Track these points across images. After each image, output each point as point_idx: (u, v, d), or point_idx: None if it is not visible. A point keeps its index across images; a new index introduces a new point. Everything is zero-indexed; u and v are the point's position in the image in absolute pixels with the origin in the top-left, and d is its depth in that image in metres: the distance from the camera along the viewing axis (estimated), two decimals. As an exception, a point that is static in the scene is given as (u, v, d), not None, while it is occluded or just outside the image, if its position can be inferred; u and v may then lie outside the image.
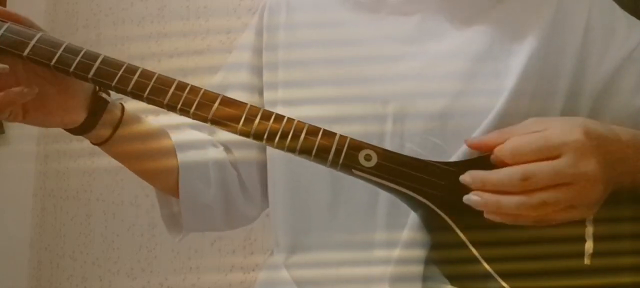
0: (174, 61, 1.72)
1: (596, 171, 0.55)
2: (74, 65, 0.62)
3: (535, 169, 0.55)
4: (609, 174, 0.57)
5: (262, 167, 0.79)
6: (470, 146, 0.60)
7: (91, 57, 0.63)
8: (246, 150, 0.79)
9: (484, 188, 0.56)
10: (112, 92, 0.67)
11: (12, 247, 2.16)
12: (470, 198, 0.57)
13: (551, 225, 0.56)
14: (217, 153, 0.79)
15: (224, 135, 0.78)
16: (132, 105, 0.69)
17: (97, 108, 0.69)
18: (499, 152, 0.58)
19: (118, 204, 1.88)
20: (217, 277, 1.61)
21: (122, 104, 0.72)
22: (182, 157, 0.76)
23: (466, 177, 0.58)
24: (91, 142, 0.72)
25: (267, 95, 0.77)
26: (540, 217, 0.56)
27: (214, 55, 1.62)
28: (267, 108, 0.75)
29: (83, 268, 2.01)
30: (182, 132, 0.79)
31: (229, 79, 0.81)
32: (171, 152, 0.76)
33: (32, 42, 0.62)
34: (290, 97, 0.74)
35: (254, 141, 0.62)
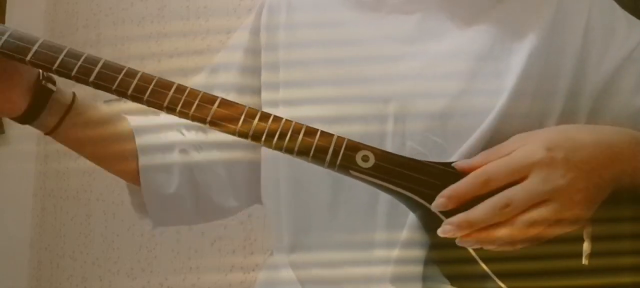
0: (174, 61, 1.72)
1: (570, 181, 0.56)
2: (75, 69, 0.63)
3: (511, 194, 0.56)
4: (592, 179, 0.57)
5: (250, 165, 0.78)
6: (459, 170, 0.60)
7: (92, 61, 0.64)
8: (227, 150, 0.78)
9: (473, 229, 0.56)
10: (58, 79, 0.67)
11: (12, 247, 2.16)
12: (463, 241, 0.56)
13: (547, 240, 0.57)
14: (184, 142, 0.78)
15: (207, 135, 0.78)
16: (131, 106, 0.68)
17: (41, 97, 0.69)
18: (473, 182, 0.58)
19: (118, 204, 1.88)
20: (217, 277, 1.61)
21: (74, 93, 0.72)
22: (142, 146, 0.76)
23: (449, 227, 0.57)
24: (43, 133, 0.72)
25: (267, 95, 0.77)
26: (534, 237, 0.56)
27: (214, 55, 1.62)
28: (267, 108, 0.75)
29: (83, 268, 2.01)
30: (142, 121, 0.78)
31: (217, 79, 0.81)
32: (129, 136, 0.76)
33: (35, 47, 0.64)
34: (291, 97, 0.74)
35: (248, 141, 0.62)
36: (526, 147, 0.58)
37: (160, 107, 0.62)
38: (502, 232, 0.55)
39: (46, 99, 0.69)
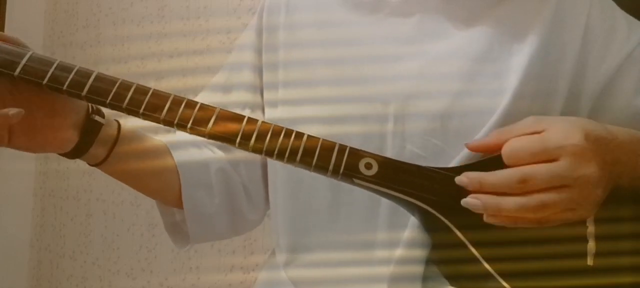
0: (174, 61, 1.72)
1: (595, 174, 0.55)
2: (66, 83, 0.60)
3: (533, 171, 0.55)
4: (608, 176, 0.57)
5: (264, 167, 0.78)
6: (471, 149, 0.60)
7: (84, 74, 0.61)
8: (254, 165, 0.78)
9: (481, 190, 0.56)
10: (106, 110, 0.65)
11: (12, 247, 2.16)
12: (469, 201, 0.56)
13: (550, 226, 0.56)
14: (218, 160, 0.78)
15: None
16: (131, 121, 0.67)
17: (90, 129, 0.66)
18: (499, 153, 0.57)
19: (118, 204, 1.88)
20: (217, 277, 1.61)
21: (118, 121, 0.70)
22: (184, 170, 0.74)
23: (462, 178, 0.57)
24: (89, 164, 0.70)
25: (267, 95, 0.77)
26: (539, 220, 0.55)
27: (214, 55, 1.62)
28: (267, 108, 0.75)
29: (83, 268, 2.01)
30: (180, 144, 0.77)
31: (232, 79, 0.81)
32: (172, 166, 0.74)
33: (23, 61, 0.60)
34: (290, 97, 0.74)
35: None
36: (562, 129, 0.57)
37: (157, 121, 0.61)
38: (512, 203, 0.54)
39: (96, 133, 0.67)
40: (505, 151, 0.57)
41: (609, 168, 0.57)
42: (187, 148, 0.77)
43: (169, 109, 0.61)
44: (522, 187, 0.55)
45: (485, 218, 0.56)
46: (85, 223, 2.02)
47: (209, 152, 0.78)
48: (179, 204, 0.75)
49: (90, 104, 0.66)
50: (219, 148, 0.79)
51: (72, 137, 0.66)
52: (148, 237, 1.80)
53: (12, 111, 0.59)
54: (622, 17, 0.70)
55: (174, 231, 0.79)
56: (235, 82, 0.80)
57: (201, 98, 0.69)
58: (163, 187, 0.75)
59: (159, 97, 0.61)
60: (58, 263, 2.09)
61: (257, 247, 1.58)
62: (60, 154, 0.67)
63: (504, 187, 0.55)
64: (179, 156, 0.75)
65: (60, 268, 2.08)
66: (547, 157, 0.55)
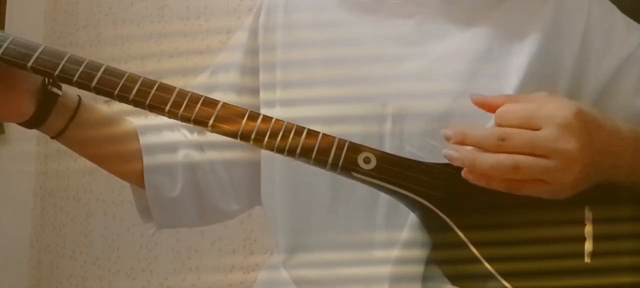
0: (174, 61, 1.72)
1: (574, 152, 0.55)
2: (77, 75, 0.63)
3: (513, 132, 0.56)
4: (594, 160, 0.57)
5: (251, 166, 0.78)
6: (474, 101, 0.60)
7: (94, 67, 0.64)
8: (228, 150, 0.78)
9: (464, 142, 0.57)
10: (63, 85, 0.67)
11: (12, 247, 2.16)
12: (448, 153, 0.57)
13: (521, 194, 0.56)
14: (188, 143, 0.78)
15: (207, 136, 0.77)
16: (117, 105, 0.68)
17: (47, 101, 0.69)
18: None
19: (118, 204, 1.88)
20: (217, 277, 1.61)
21: (79, 96, 0.72)
22: (147, 152, 0.75)
23: (448, 131, 0.58)
24: (49, 136, 0.72)
25: (265, 95, 0.77)
26: (510, 182, 0.56)
27: (214, 55, 1.61)
28: (265, 108, 0.75)
29: (83, 268, 2.01)
30: (151, 127, 0.78)
31: (217, 80, 0.81)
32: (137, 148, 0.75)
33: (36, 54, 0.64)
34: (288, 97, 0.74)
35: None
36: (557, 103, 0.57)
37: (162, 112, 0.62)
38: (487, 159, 0.55)
39: (53, 103, 0.69)
40: (497, 112, 0.58)
41: (598, 154, 0.57)
42: (159, 131, 0.77)
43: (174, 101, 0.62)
44: (500, 145, 0.55)
45: (463, 174, 0.57)
46: (85, 223, 2.02)
47: (181, 136, 0.79)
48: (138, 183, 0.77)
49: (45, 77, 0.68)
50: (194, 130, 0.79)
51: (28, 108, 0.68)
52: (148, 237, 1.80)
53: None
54: (620, 18, 0.70)
55: (145, 214, 0.79)
56: (220, 82, 0.80)
57: None
58: (127, 168, 0.76)
59: (149, 85, 0.63)
60: (58, 263, 2.09)
61: (257, 247, 1.58)
62: (19, 124, 0.69)
63: (484, 143, 0.56)
64: (146, 139, 0.76)
65: (60, 268, 2.08)
66: (534, 124, 0.56)
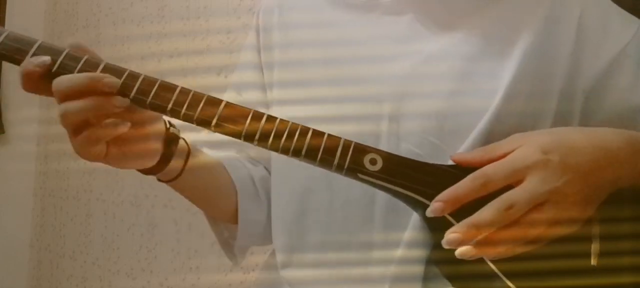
0: (174, 61, 1.72)
1: (565, 183, 0.56)
2: (75, 72, 0.60)
3: (513, 196, 0.55)
4: (589, 181, 0.57)
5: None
6: (455, 161, 0.60)
7: (93, 63, 0.61)
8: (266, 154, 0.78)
9: (477, 235, 0.55)
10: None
11: (12, 247, 2.16)
12: (468, 256, 0.55)
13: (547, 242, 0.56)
14: (255, 168, 0.79)
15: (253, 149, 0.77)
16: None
17: (171, 140, 0.66)
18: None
19: (118, 204, 1.88)
20: (217, 277, 1.61)
21: (184, 138, 0.69)
22: (239, 183, 0.76)
23: (453, 236, 0.55)
24: (162, 180, 0.69)
25: (268, 95, 0.77)
26: (534, 239, 0.56)
27: (214, 55, 1.62)
28: (263, 108, 0.75)
29: (83, 268, 2.01)
30: (225, 158, 0.77)
31: (243, 78, 0.82)
32: (229, 180, 0.75)
33: (32, 50, 0.61)
34: (284, 97, 0.74)
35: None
36: (522, 149, 0.58)
37: (164, 111, 0.60)
38: (507, 234, 0.55)
39: (175, 143, 0.66)
40: (484, 178, 0.57)
41: (591, 175, 0.57)
42: (232, 162, 0.78)
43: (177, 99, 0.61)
44: (512, 213, 0.55)
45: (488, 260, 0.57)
46: (85, 223, 2.02)
47: (248, 164, 0.80)
48: (230, 218, 0.77)
49: (165, 117, 0.65)
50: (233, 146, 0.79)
51: (157, 148, 0.65)
52: (148, 237, 1.80)
53: (120, 122, 0.59)
54: (616, 13, 0.69)
55: (227, 247, 0.80)
56: (246, 80, 0.81)
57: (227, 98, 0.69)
58: (225, 202, 0.76)
59: (150, 83, 0.61)
60: (58, 263, 2.09)
61: (257, 247, 1.58)
62: (140, 170, 0.66)
63: (499, 219, 0.55)
64: (231, 170, 0.76)
65: (60, 268, 2.09)
66: (517, 177, 0.56)
